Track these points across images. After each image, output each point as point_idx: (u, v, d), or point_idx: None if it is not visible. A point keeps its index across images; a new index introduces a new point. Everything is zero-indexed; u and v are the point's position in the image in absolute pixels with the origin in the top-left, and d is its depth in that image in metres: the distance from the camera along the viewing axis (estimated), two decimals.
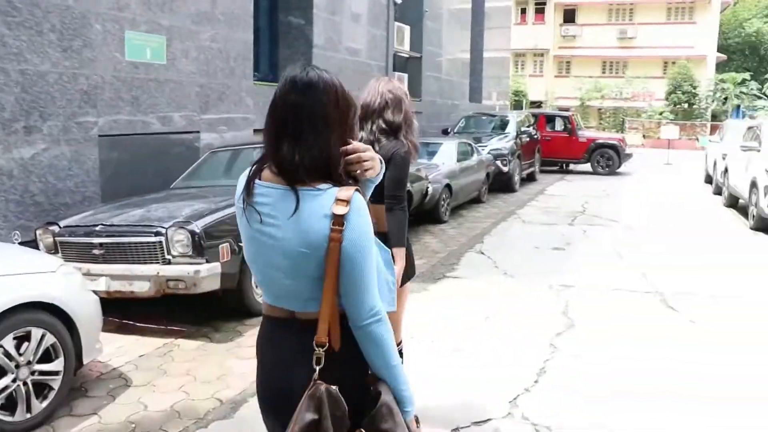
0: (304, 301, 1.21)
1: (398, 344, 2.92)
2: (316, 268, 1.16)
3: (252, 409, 3.33)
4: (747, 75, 35.64)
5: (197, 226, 4.41)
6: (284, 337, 1.22)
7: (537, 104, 41.70)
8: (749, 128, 11.42)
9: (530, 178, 16.09)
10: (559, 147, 17.50)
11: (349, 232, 1.14)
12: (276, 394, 1.22)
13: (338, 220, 1.13)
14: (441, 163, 10.30)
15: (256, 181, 1.21)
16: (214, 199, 4.93)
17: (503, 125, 14.95)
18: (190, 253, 4.36)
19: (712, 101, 36.44)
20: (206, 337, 4.56)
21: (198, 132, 7.70)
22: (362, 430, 1.14)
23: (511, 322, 5.00)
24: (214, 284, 4.47)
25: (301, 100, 1.18)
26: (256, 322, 4.77)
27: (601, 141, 17.88)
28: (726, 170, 12.06)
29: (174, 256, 4.38)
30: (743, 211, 10.62)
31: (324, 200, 1.17)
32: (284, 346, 1.22)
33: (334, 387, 1.13)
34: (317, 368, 1.15)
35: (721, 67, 43.01)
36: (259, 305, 4.70)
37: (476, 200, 11.86)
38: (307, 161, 1.16)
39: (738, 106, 37.03)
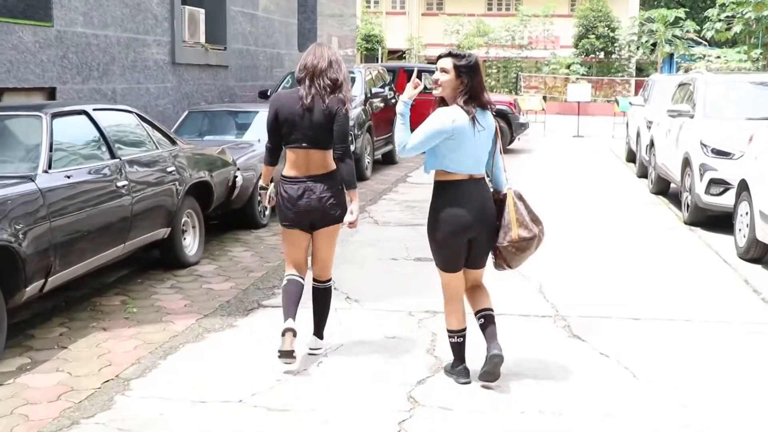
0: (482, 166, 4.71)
1: (328, 281, 5.42)
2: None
3: None
4: (681, 12, 39.35)
5: None
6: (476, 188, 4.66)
7: (398, 54, 43.21)
8: (680, 85, 12.63)
9: (387, 160, 16.58)
10: (426, 114, 17.96)
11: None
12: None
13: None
14: (256, 142, 10.40)
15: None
16: None
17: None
18: None
19: (637, 48, 39.98)
20: None
21: None
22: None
23: (356, 368, 5.12)
24: None
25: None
26: None
27: None
28: (652, 144, 13.28)
29: None
30: (675, 198, 11.74)
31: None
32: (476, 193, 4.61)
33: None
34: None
35: (647, 1, 47.38)
36: None
37: None
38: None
39: (671, 55, 40.89)
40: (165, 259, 7.76)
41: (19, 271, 5.24)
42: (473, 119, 4.61)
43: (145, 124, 7.62)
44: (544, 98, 30.28)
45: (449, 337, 4.95)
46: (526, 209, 4.79)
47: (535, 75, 39.61)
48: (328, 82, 5.00)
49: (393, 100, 16.57)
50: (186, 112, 11.45)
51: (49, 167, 5.79)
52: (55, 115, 6.20)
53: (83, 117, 6.66)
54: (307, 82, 5.01)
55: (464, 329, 4.91)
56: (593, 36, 39.01)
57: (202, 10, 13.96)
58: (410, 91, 4.75)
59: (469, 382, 4.86)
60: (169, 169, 7.45)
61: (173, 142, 7.99)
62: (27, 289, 5.36)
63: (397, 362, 5.28)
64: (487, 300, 4.92)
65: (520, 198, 4.80)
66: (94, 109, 6.86)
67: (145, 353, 5.42)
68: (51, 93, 9.80)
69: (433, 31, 42.02)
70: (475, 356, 4.94)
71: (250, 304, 6.58)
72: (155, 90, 12.23)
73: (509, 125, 18.58)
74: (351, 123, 12.29)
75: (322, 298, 5.44)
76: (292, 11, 18.91)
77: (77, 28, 10.22)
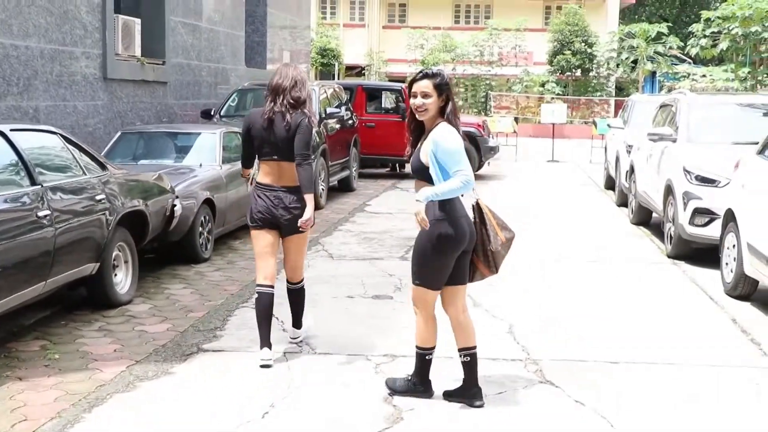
0: None
1: (300, 281, 6.44)
2: None
3: None
4: (663, 27, 40.03)
5: None
6: None
7: (357, 71, 43.42)
8: (662, 106, 12.86)
9: (344, 187, 16.60)
10: (388, 137, 18.24)
11: None
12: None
13: None
14: (197, 166, 10.43)
15: None
16: None
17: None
18: None
19: (617, 66, 40.65)
20: None
21: None
22: None
23: (306, 421, 5.08)
24: None
25: None
26: None
27: None
28: (632, 170, 13.45)
29: None
30: (658, 229, 11.87)
31: None
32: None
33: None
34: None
35: (627, 15, 48.28)
36: None
37: None
38: None
39: (653, 73, 41.64)
40: (93, 297, 7.66)
41: None
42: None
43: (71, 147, 7.54)
44: (516, 119, 30.56)
45: (421, 353, 5.40)
46: (494, 215, 5.37)
47: (506, 94, 40.08)
48: (291, 100, 6.02)
49: (350, 122, 16.63)
50: (119, 134, 11.37)
51: None
52: None
53: None
54: (271, 99, 6.07)
55: (435, 347, 5.43)
56: (569, 52, 39.61)
57: (138, 20, 13.93)
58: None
59: (431, 396, 5.44)
60: (98, 197, 7.38)
61: (103, 166, 7.92)
62: None
63: (351, 413, 5.24)
64: (473, 336, 5.36)
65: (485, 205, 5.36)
66: (11, 130, 6.76)
67: (67, 406, 5.32)
68: None
69: (395, 45, 42.34)
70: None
71: (189, 349, 6.51)
72: (84, 108, 12.13)
73: (477, 149, 18.66)
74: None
75: (296, 297, 6.55)
76: (240, 22, 18.95)
77: None
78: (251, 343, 6.60)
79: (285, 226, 6.12)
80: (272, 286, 6.20)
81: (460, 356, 5.34)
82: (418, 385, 5.45)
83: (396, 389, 5.49)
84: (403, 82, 26.99)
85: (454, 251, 5.11)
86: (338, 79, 39.32)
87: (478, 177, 18.78)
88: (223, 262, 9.86)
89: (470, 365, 5.34)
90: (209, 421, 5.09)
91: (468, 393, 5.34)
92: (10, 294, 6.08)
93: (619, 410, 5.33)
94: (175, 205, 8.92)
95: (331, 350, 6.48)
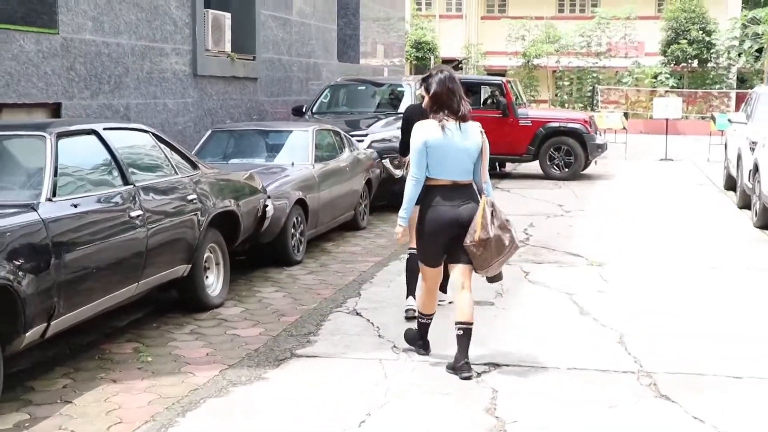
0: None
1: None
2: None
3: None
4: None
5: None
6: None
7: (454, 64, 43.29)
8: None
9: None
10: (487, 134, 18.03)
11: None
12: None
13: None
14: (289, 165, 10.59)
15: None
16: None
17: (395, 100, 15.45)
18: None
19: (738, 55, 39.61)
20: None
21: None
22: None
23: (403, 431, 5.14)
24: None
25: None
26: None
27: (555, 124, 18.94)
28: (756, 169, 13.14)
29: None
30: None
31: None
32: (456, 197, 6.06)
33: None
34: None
35: (751, 0, 46.87)
36: None
37: (350, 226, 12.15)
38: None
39: None
40: (184, 300, 7.88)
41: (18, 313, 5.36)
42: (442, 127, 6.04)
43: (162, 146, 7.77)
44: (626, 115, 30.10)
45: (420, 318, 6.57)
46: (494, 216, 6.11)
47: (615, 87, 39.43)
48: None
49: None
50: (209, 132, 11.67)
51: (54, 195, 5.93)
52: (60, 135, 6.35)
53: (92, 137, 6.82)
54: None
55: (433, 314, 6.53)
56: (685, 41, 38.73)
57: (228, 15, 14.22)
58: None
59: (427, 354, 6.52)
60: (189, 197, 7.57)
61: (194, 166, 8.13)
62: (27, 334, 5.48)
63: (451, 424, 5.27)
64: (469, 312, 6.16)
65: (492, 206, 6.13)
66: (104, 129, 7.02)
67: (161, 409, 5.50)
68: (56, 109, 10.06)
69: (494, 36, 42.15)
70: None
71: (282, 354, 6.64)
72: (174, 106, 12.46)
73: (583, 147, 18.57)
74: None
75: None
76: (332, 15, 19.16)
77: (85, 35, 10.49)
78: (346, 349, 6.72)
79: None
80: None
81: (455, 329, 6.15)
82: (420, 341, 6.63)
83: (407, 338, 6.72)
84: (503, 75, 26.94)
85: (433, 235, 6.12)
86: None
87: (583, 177, 18.73)
88: (315, 265, 10.01)
89: (460, 339, 6.14)
90: (304, 429, 5.20)
91: (457, 365, 6.12)
92: (103, 295, 6.32)
93: (743, 429, 5.24)
94: (266, 206, 9.07)
95: (430, 357, 6.53)
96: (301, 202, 10.03)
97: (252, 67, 15.05)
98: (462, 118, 6.11)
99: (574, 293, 8.50)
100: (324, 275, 9.47)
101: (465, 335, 6.14)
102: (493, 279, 6.57)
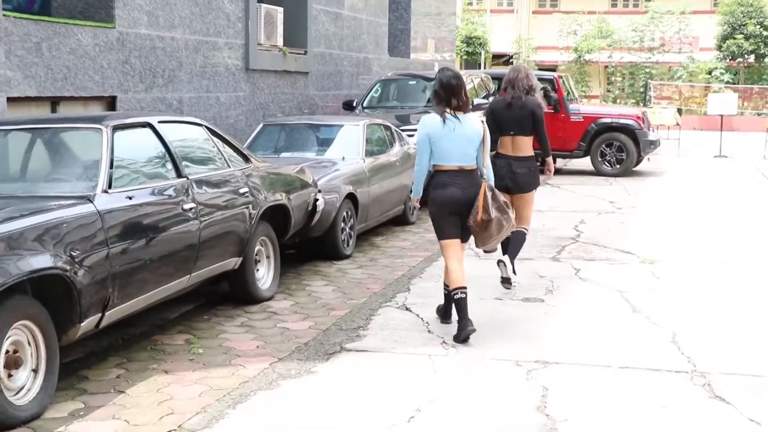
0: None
1: (525, 228, 8.53)
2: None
3: None
4: None
5: None
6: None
7: (504, 59, 43.12)
8: None
9: None
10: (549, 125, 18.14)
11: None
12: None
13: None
14: (339, 159, 10.61)
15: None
16: None
17: None
18: None
19: None
20: None
21: None
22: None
23: (453, 428, 5.11)
24: None
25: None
26: None
27: (607, 120, 18.80)
28: None
29: None
30: None
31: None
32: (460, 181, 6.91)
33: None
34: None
35: None
36: None
37: (400, 220, 12.13)
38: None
39: None
40: (235, 293, 7.92)
41: (73, 303, 5.43)
42: (444, 120, 6.87)
43: (215, 139, 7.82)
44: (679, 111, 29.71)
45: (448, 291, 7.09)
46: (493, 199, 6.92)
47: (668, 83, 38.98)
48: (525, 87, 8.27)
49: None
50: (261, 125, 11.70)
51: (109, 187, 5.99)
52: (116, 128, 6.41)
53: (147, 130, 6.88)
54: (511, 87, 8.34)
55: (463, 287, 6.87)
56: (741, 36, 38.17)
57: (281, 9, 14.26)
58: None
59: (474, 330, 6.78)
60: (241, 191, 7.61)
61: (246, 159, 8.16)
62: (82, 324, 5.55)
63: (501, 421, 5.25)
64: (463, 278, 6.94)
65: (491, 190, 6.98)
66: (159, 122, 7.07)
67: (212, 401, 5.54)
68: (111, 102, 10.18)
69: (545, 31, 41.90)
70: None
71: (332, 348, 6.65)
72: (226, 99, 12.55)
73: (636, 142, 18.37)
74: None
75: (516, 238, 8.21)
76: (383, 10, 19.16)
77: (141, 29, 10.59)
78: (395, 344, 6.71)
79: (513, 187, 8.27)
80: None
81: (453, 294, 6.87)
82: (443, 311, 7.36)
83: (438, 312, 7.45)
84: (553, 71, 26.71)
85: (440, 211, 6.98)
86: (484, 68, 39.24)
87: (635, 173, 18.55)
88: (365, 259, 10.02)
89: (458, 302, 6.82)
90: (353, 424, 5.20)
91: (460, 325, 6.81)
92: (156, 287, 6.37)
93: None
94: (317, 200, 9.08)
95: (479, 354, 6.50)
96: (351, 197, 10.04)
97: (303, 61, 15.10)
98: (461, 110, 6.93)
99: (626, 291, 8.41)
100: (373, 270, 9.48)
101: (463, 299, 6.82)
102: (489, 250, 8.23)
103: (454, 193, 6.89)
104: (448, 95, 6.95)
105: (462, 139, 6.90)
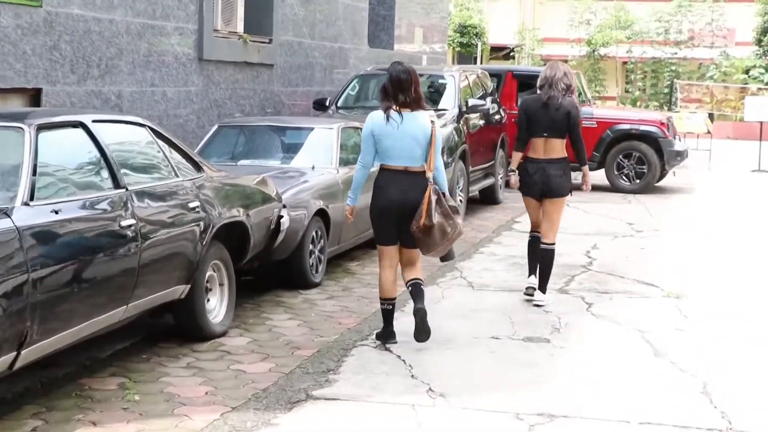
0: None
1: (552, 243, 9.37)
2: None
3: None
4: None
5: None
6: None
7: (504, 52, 43.32)
8: None
9: (487, 199, 16.63)
10: None
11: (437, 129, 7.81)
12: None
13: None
14: (309, 169, 10.59)
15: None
16: None
17: (435, 94, 15.37)
18: None
19: None
20: None
21: None
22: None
23: None
24: None
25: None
26: None
27: (625, 126, 18.83)
28: None
29: None
30: None
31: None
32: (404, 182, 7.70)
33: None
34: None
35: None
36: None
37: None
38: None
39: None
40: (181, 327, 7.85)
41: None
42: (387, 117, 7.52)
43: (161, 142, 7.75)
44: (711, 116, 29.80)
45: (381, 303, 7.89)
46: (438, 204, 7.51)
47: (698, 83, 39.06)
48: (563, 86, 9.02)
49: (497, 117, 16.58)
50: (215, 127, 11.67)
51: (31, 198, 5.89)
52: (41, 128, 6.32)
53: (79, 131, 6.78)
54: (546, 88, 9.10)
55: (393, 298, 7.86)
56: None
57: None
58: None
59: (396, 342, 7.73)
60: (191, 205, 7.54)
61: (198, 167, 8.11)
62: None
63: None
64: (417, 272, 7.87)
65: (437, 193, 7.57)
66: (93, 121, 6.99)
67: None
68: (35, 96, 10.05)
69: (553, 21, 42.12)
70: None
71: (296, 395, 6.56)
72: (175, 95, 12.45)
73: (659, 154, 18.40)
74: (441, 146, 12.98)
75: (545, 257, 9.19)
76: None
77: (73, 9, 10.48)
78: (372, 391, 6.66)
79: (546, 191, 9.07)
80: (539, 233, 9.33)
81: (407, 286, 7.83)
82: (386, 329, 7.90)
83: (377, 336, 7.90)
84: None
85: (381, 215, 7.71)
86: (481, 62, 39.27)
87: (658, 189, 18.56)
88: (337, 288, 9.97)
89: (414, 291, 7.73)
90: None
91: (417, 308, 7.62)
92: (85, 320, 6.26)
93: None
94: (281, 217, 9.02)
95: (472, 405, 6.43)
96: (322, 213, 9.99)
97: (267, 51, 15.02)
98: (408, 108, 7.55)
99: (647, 330, 8.37)
100: (347, 301, 9.43)
101: (416, 287, 7.74)
102: (445, 258, 8.24)
103: (392, 195, 7.58)
104: (396, 91, 7.57)
105: (406, 138, 7.55)
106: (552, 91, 8.99)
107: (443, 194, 7.67)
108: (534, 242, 9.39)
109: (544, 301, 9.10)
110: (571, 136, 9.13)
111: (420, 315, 7.57)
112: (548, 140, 9.02)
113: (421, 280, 7.86)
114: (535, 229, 9.44)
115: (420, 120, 7.62)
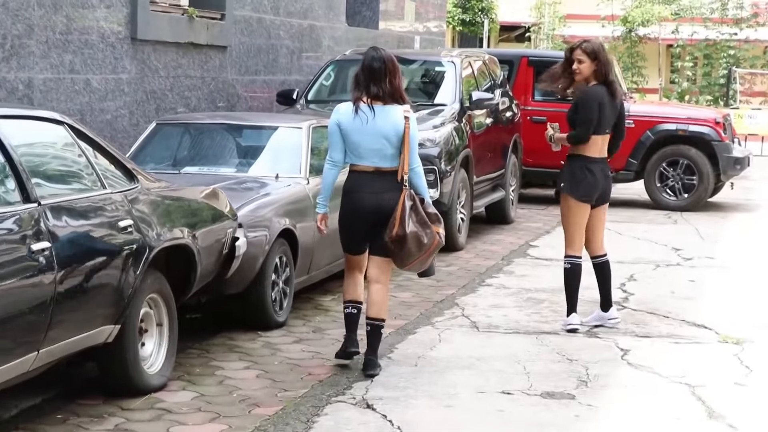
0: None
1: (604, 255, 10.49)
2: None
3: None
4: None
5: None
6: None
7: (517, 32, 43.47)
8: None
9: (496, 217, 16.80)
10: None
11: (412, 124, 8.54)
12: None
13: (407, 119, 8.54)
14: (271, 179, 10.68)
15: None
16: None
17: (430, 85, 15.72)
18: None
19: None
20: None
21: None
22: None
23: None
24: None
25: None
26: None
27: (670, 126, 19.00)
28: None
29: None
30: None
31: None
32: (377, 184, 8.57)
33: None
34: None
35: None
36: None
37: None
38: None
39: None
40: (107, 379, 7.84)
41: None
42: (356, 110, 8.09)
43: (83, 144, 7.72)
44: None
45: (344, 306, 8.61)
46: (414, 210, 8.04)
47: (763, 72, 39.23)
48: (616, 73, 9.31)
49: (508, 114, 16.61)
50: (153, 125, 11.72)
51: None
52: None
53: None
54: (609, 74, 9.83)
55: (359, 302, 8.56)
56: None
57: None
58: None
59: (357, 353, 8.54)
60: (121, 224, 7.53)
61: (131, 176, 8.11)
62: None
63: None
64: (379, 308, 8.37)
65: (412, 198, 8.10)
66: None
67: None
68: None
69: None
70: None
71: None
72: (101, 84, 12.42)
73: (713, 161, 18.44)
74: (438, 149, 13.66)
75: (602, 272, 10.11)
76: None
77: None
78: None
79: (603, 195, 9.99)
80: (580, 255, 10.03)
81: (365, 324, 8.38)
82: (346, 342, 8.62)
83: (336, 355, 8.65)
84: None
85: (350, 222, 8.42)
86: (489, 45, 39.35)
87: (709, 206, 18.60)
88: (306, 329, 10.00)
89: (369, 335, 8.35)
90: None
91: (365, 360, 8.35)
92: None
93: None
94: (236, 239, 9.05)
95: None
96: (287, 235, 10.03)
97: (219, 29, 15.03)
98: (381, 101, 8.13)
99: (699, 385, 8.37)
100: (318, 345, 9.43)
101: (373, 332, 8.37)
102: (424, 274, 8.83)
103: (362, 199, 8.24)
104: (367, 81, 8.17)
105: (376, 135, 8.17)
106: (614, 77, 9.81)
107: (421, 200, 8.20)
108: (576, 271, 9.90)
109: (619, 317, 10.06)
110: (616, 130, 9.90)
111: (368, 371, 8.31)
112: (605, 138, 9.78)
113: (382, 321, 8.41)
114: (574, 254, 9.92)
115: (392, 115, 8.16)
